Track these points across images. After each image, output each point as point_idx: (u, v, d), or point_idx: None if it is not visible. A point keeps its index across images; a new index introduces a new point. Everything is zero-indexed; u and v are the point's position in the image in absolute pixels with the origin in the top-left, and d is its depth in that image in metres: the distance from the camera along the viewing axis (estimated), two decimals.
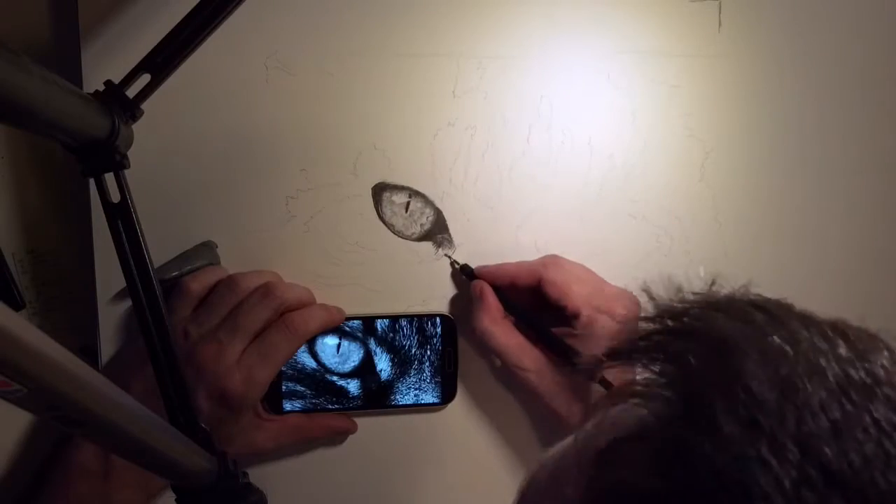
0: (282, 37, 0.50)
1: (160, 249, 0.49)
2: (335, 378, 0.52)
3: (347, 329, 0.52)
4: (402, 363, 0.53)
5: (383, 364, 0.52)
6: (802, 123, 0.56)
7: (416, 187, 0.52)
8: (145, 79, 0.40)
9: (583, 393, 0.49)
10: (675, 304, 0.27)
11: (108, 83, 0.39)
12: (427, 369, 0.53)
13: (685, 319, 0.26)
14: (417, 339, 0.53)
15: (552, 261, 0.51)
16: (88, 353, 0.50)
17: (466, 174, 0.53)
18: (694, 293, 0.28)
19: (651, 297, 0.28)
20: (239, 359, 0.46)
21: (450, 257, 0.53)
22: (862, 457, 0.21)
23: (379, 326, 0.52)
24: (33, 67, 0.30)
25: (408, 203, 0.53)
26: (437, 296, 0.53)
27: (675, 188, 0.55)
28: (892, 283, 0.58)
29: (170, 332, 0.40)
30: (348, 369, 0.52)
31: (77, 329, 0.51)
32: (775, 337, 0.24)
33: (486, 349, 0.52)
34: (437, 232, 0.53)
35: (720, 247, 0.56)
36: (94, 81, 0.47)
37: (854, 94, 0.56)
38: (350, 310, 0.52)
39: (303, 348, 0.51)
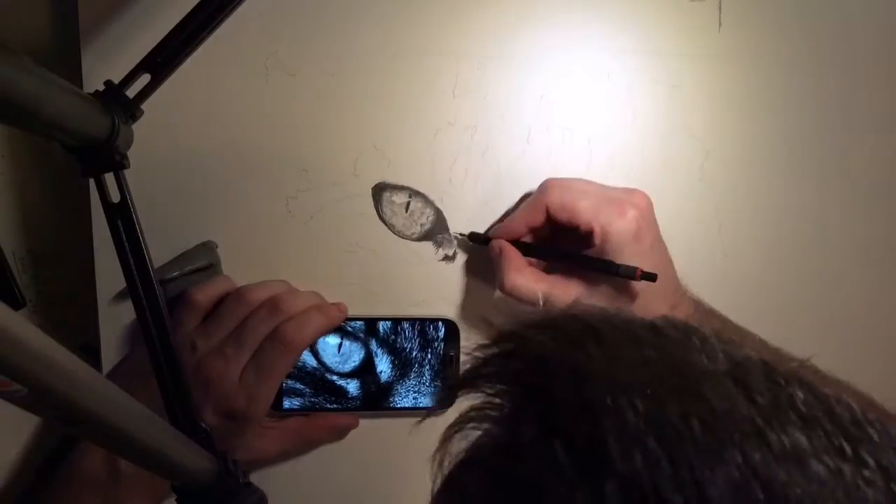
0: (282, 37, 0.50)
1: (160, 249, 0.49)
2: (335, 377, 0.52)
3: (350, 329, 0.52)
4: (403, 366, 0.52)
5: (384, 366, 0.52)
6: (802, 123, 0.56)
7: (416, 187, 0.52)
8: (145, 79, 0.40)
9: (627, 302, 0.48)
10: (509, 327, 0.28)
11: (108, 83, 0.39)
12: (427, 373, 0.53)
13: (514, 340, 0.27)
14: (419, 343, 0.52)
15: (550, 183, 0.49)
16: (89, 351, 0.50)
17: (466, 174, 0.53)
18: (531, 313, 0.28)
19: (490, 324, 0.28)
20: (241, 375, 0.46)
21: (460, 235, 0.52)
22: (643, 456, 0.21)
23: (381, 328, 0.52)
24: (33, 67, 0.30)
25: (408, 203, 0.53)
26: (437, 296, 0.53)
27: (675, 188, 0.55)
28: (892, 283, 0.58)
29: (176, 344, 0.40)
30: (348, 369, 0.52)
31: (77, 328, 0.51)
32: (585, 352, 0.24)
33: (522, 304, 0.49)
34: (438, 232, 0.53)
35: (720, 247, 0.56)
36: (94, 81, 0.47)
37: (854, 94, 0.56)
38: (350, 310, 0.52)
39: None
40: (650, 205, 0.48)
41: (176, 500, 0.38)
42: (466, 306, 0.54)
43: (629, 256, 0.46)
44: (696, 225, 0.55)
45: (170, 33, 0.40)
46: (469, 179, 0.53)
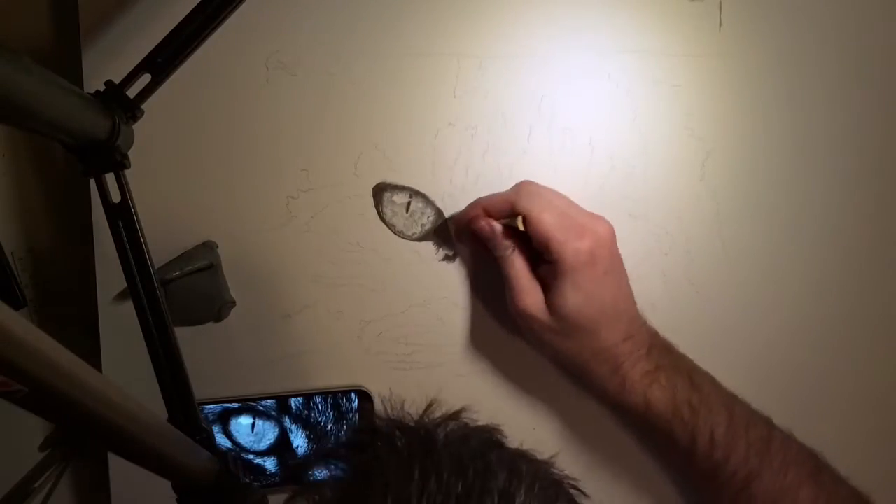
0: (282, 37, 0.50)
1: (160, 249, 0.49)
2: (251, 457, 0.52)
3: (261, 408, 0.51)
4: (319, 439, 0.52)
5: (299, 441, 0.52)
6: (803, 123, 0.56)
7: (416, 187, 0.52)
8: (146, 79, 0.40)
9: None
10: (370, 423, 0.32)
11: (108, 83, 0.39)
12: None
13: (358, 439, 0.32)
14: (333, 415, 0.52)
15: (524, 186, 0.49)
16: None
17: (467, 174, 0.53)
18: (394, 415, 0.33)
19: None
20: None
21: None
22: None
23: (293, 404, 0.52)
24: (34, 67, 0.30)
25: (408, 203, 0.53)
26: (437, 296, 0.53)
27: (675, 188, 0.55)
28: (892, 282, 0.58)
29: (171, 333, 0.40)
30: (264, 447, 0.52)
31: (77, 328, 0.51)
32: (416, 471, 0.28)
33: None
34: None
35: (720, 246, 0.56)
36: (94, 82, 0.47)
37: (854, 94, 0.56)
38: (351, 310, 0.52)
39: (217, 429, 0.51)
40: (611, 235, 0.48)
41: (177, 499, 0.38)
42: (467, 306, 0.54)
43: (582, 279, 0.46)
44: (696, 225, 0.55)
45: (170, 33, 0.40)
46: (470, 179, 0.53)
